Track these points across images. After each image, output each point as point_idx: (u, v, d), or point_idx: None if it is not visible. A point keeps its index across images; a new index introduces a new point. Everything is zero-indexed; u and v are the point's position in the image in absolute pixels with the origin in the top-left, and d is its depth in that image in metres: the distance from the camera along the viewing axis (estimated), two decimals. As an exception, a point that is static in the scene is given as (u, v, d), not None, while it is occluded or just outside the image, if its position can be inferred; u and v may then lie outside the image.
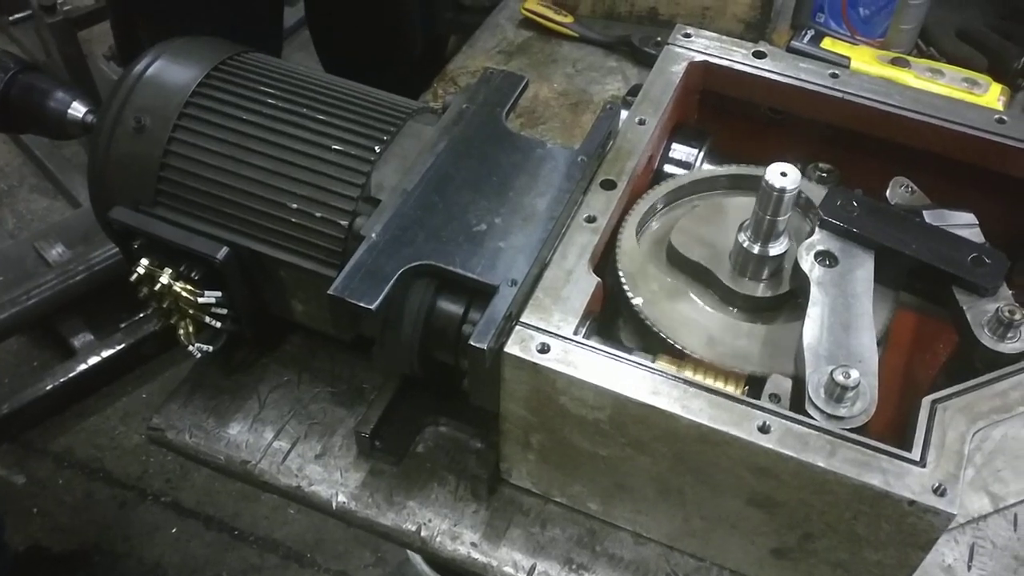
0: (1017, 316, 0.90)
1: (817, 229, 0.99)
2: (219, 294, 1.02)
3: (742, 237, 0.99)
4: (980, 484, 1.00)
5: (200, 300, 1.02)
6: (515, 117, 1.49)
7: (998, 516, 1.04)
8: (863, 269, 0.96)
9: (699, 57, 1.16)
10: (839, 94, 1.13)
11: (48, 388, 2.49)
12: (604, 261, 1.02)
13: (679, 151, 1.18)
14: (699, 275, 1.01)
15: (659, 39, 1.57)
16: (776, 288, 1.00)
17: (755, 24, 1.62)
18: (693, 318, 0.98)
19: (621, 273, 0.99)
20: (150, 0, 1.69)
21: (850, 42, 1.57)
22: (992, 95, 1.46)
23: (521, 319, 0.90)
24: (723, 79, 1.17)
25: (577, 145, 1.03)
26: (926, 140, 1.11)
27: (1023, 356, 0.91)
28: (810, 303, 0.93)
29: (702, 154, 1.18)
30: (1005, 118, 1.10)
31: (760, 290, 1.00)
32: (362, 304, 0.86)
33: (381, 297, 0.87)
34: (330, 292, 0.88)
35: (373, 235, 0.93)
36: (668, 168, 1.18)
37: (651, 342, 0.97)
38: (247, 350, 1.15)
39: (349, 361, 1.14)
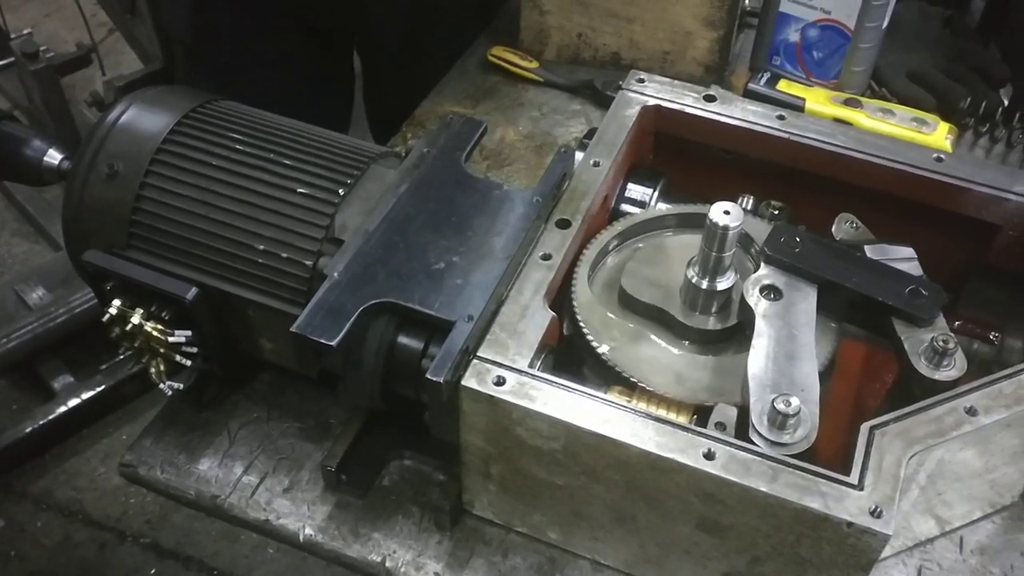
0: (951, 345, 0.95)
1: (762, 264, 1.03)
2: (189, 333, 1.06)
3: (691, 273, 1.03)
4: (926, 507, 1.04)
5: (170, 339, 1.05)
6: (482, 158, 1.54)
7: (944, 539, 1.07)
8: (806, 302, 1.00)
9: (652, 101, 1.22)
10: (785, 135, 1.18)
11: (28, 431, 2.51)
12: (560, 296, 1.06)
13: (634, 191, 1.23)
14: (651, 313, 1.05)
15: (620, 83, 1.63)
16: (725, 321, 1.04)
17: (714, 67, 1.68)
18: (644, 351, 1.02)
19: (576, 310, 1.03)
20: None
21: (805, 84, 1.63)
22: (940, 134, 1.52)
23: (478, 353, 0.94)
24: (675, 122, 1.22)
25: (535, 187, 1.07)
26: (870, 178, 1.16)
27: (957, 383, 0.95)
28: (755, 335, 0.97)
29: (656, 193, 1.23)
30: (943, 157, 1.15)
31: (710, 323, 1.04)
32: (323, 340, 0.90)
33: (342, 334, 0.90)
34: (293, 329, 0.91)
35: (335, 274, 0.97)
36: (624, 207, 1.23)
37: (605, 374, 1.01)
38: (218, 387, 1.18)
39: (317, 397, 1.17)
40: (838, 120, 1.56)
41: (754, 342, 0.97)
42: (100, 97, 2.89)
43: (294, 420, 1.16)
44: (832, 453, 0.95)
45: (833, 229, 1.13)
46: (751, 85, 1.62)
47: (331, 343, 0.90)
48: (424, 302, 0.95)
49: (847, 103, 1.58)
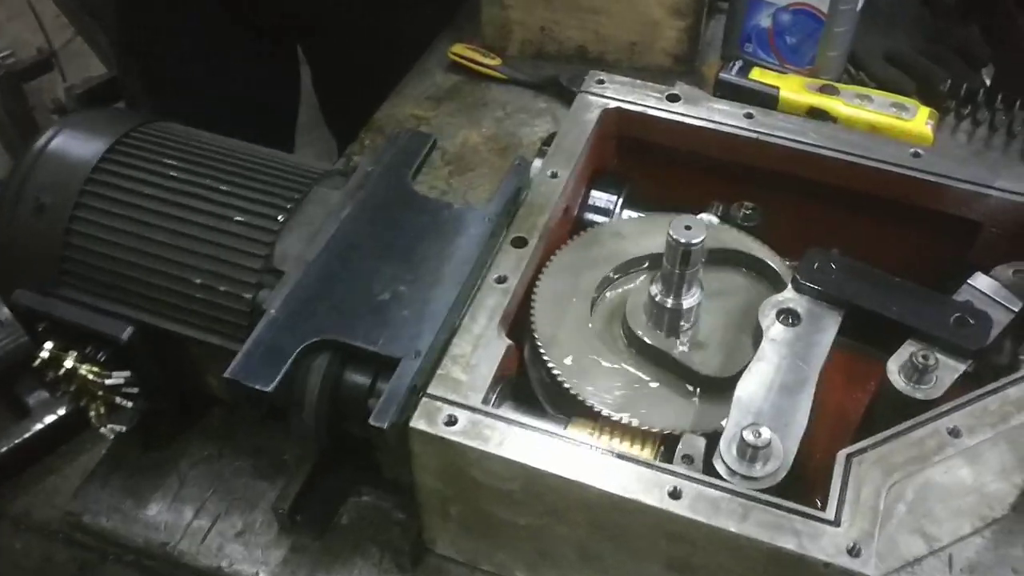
0: (931, 362, 0.89)
1: (789, 288, 0.97)
2: (127, 374, 1.00)
3: (654, 290, 0.97)
4: (914, 526, 0.98)
5: (108, 381, 0.99)
6: (443, 164, 1.48)
7: (933, 558, 1.02)
8: (824, 333, 0.93)
9: (612, 104, 1.15)
10: (754, 135, 1.12)
11: (3, 450, 2.45)
12: (519, 320, 1.00)
13: (598, 199, 1.17)
14: (620, 335, 0.99)
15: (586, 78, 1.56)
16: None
17: (684, 57, 1.61)
18: (607, 373, 0.96)
19: (537, 335, 0.97)
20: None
21: (779, 71, 1.56)
22: (920, 119, 1.46)
23: (428, 391, 0.88)
24: (637, 125, 1.15)
25: (488, 204, 1.01)
26: (844, 177, 1.10)
27: (939, 403, 0.90)
28: (755, 357, 0.91)
29: (621, 201, 1.17)
30: (920, 152, 1.09)
31: (676, 345, 0.98)
32: (258, 387, 0.84)
33: (278, 378, 0.85)
34: (226, 375, 0.85)
35: (272, 310, 0.91)
36: (589, 216, 1.17)
37: (568, 403, 0.95)
38: (167, 424, 1.12)
39: (272, 432, 1.11)
40: (814, 109, 1.50)
41: (752, 366, 0.91)
42: (62, 104, 2.82)
43: (248, 457, 1.10)
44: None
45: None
46: (722, 75, 1.55)
47: (266, 389, 0.84)
48: (368, 338, 0.89)
49: (823, 90, 1.51)
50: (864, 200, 1.11)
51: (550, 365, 0.95)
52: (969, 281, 0.99)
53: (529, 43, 1.64)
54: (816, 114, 1.49)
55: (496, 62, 1.62)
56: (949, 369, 0.91)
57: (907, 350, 0.91)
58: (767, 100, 1.51)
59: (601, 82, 1.17)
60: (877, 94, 1.50)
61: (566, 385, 0.94)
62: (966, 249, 1.11)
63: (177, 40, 1.73)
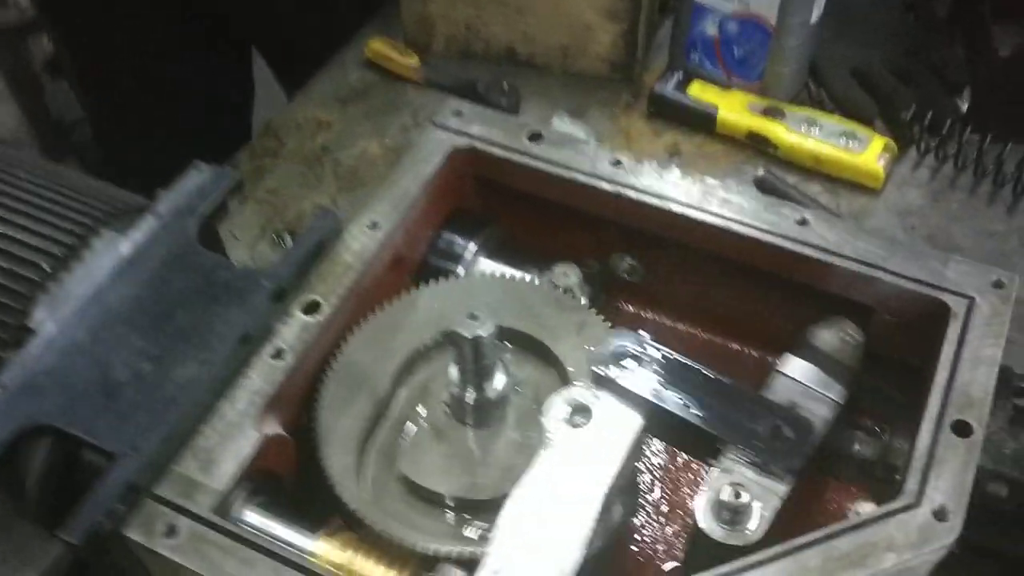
0: (743, 500, 0.73)
1: (584, 379, 0.82)
2: None
3: (452, 384, 0.83)
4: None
5: None
6: (335, 179, 1.35)
7: None
8: (622, 438, 0.78)
9: (464, 141, 1.00)
10: (617, 189, 0.95)
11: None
12: (304, 402, 0.87)
13: (450, 243, 1.02)
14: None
15: (505, 85, 1.41)
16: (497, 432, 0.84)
17: (621, 64, 1.44)
18: (386, 483, 0.83)
19: (316, 422, 0.84)
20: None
21: (724, 85, 1.38)
22: (871, 153, 1.28)
23: (156, 491, 0.76)
24: (492, 167, 1.00)
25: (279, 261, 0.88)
26: (717, 245, 0.94)
27: (757, 547, 0.74)
28: (531, 469, 0.77)
29: (476, 247, 1.02)
30: (808, 219, 0.92)
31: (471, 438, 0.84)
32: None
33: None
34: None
35: (3, 384, 0.80)
36: (438, 262, 1.03)
37: (336, 506, 0.82)
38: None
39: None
40: (753, 134, 1.33)
41: (524, 479, 0.76)
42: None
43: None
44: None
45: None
46: (657, 88, 1.39)
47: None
48: (90, 427, 0.77)
49: (767, 112, 1.33)
50: (744, 270, 0.94)
51: (323, 464, 0.82)
52: (779, 367, 0.83)
53: (454, 40, 1.48)
54: (756, 140, 1.32)
55: (413, 61, 1.46)
56: (769, 498, 0.75)
57: (717, 482, 0.75)
58: (703, 120, 1.35)
59: (458, 114, 1.02)
60: (828, 119, 1.32)
61: (337, 491, 0.80)
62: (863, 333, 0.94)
63: (110, 30, 1.65)
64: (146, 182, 0.96)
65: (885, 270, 0.88)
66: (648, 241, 0.99)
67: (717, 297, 1.01)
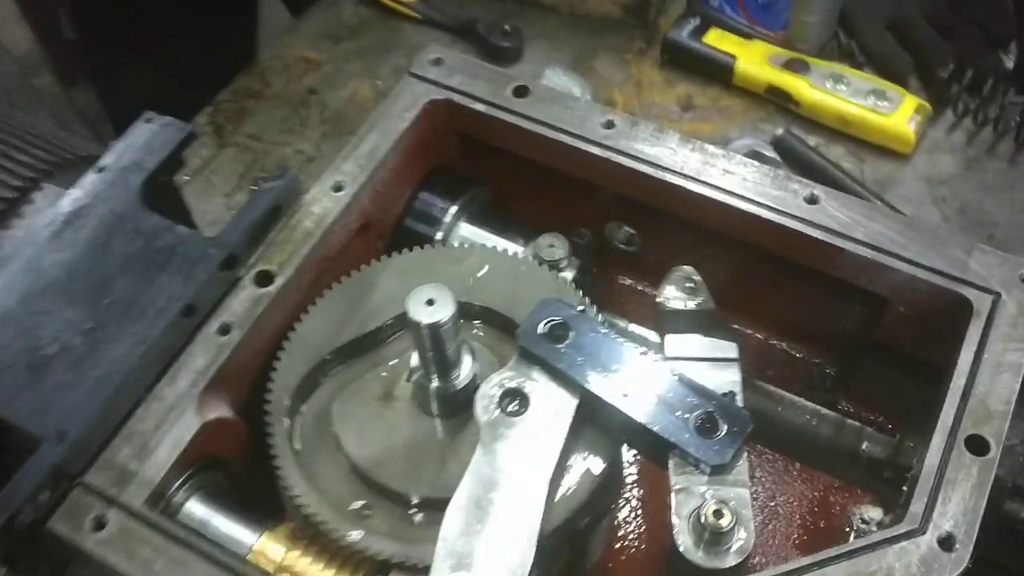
0: (724, 522, 0.66)
1: (514, 359, 0.74)
2: None
3: (416, 373, 0.75)
4: None
5: None
6: (320, 123, 1.26)
7: None
8: (559, 423, 0.71)
9: (442, 94, 0.91)
10: (608, 154, 0.86)
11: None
12: (255, 380, 0.80)
13: (426, 204, 0.94)
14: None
15: (507, 27, 1.30)
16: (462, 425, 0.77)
17: (635, 6, 1.32)
18: (337, 477, 0.75)
19: (269, 403, 0.77)
20: None
21: (745, 34, 1.27)
22: (902, 114, 1.17)
23: (85, 480, 0.70)
24: (472, 123, 0.91)
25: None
26: (714, 221, 0.85)
27: (741, 568, 0.67)
28: (469, 469, 0.70)
29: (457, 209, 0.94)
30: (819, 195, 0.82)
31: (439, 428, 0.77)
32: None
33: None
34: None
35: (-76, 352, 0.73)
36: (414, 225, 0.94)
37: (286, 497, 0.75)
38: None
39: None
40: (773, 88, 1.22)
41: (463, 481, 0.70)
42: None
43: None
44: None
45: (663, 289, 0.84)
46: (671, 35, 1.28)
47: None
48: (12, 407, 0.71)
49: (789, 66, 1.22)
50: (746, 248, 0.86)
51: (272, 452, 0.75)
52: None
53: (455, -25, 1.38)
54: (776, 95, 1.22)
55: (413, -3, 1.36)
56: (742, 509, 0.67)
57: (688, 500, 0.68)
58: (720, 71, 1.24)
59: (437, 62, 0.93)
60: (857, 75, 1.21)
61: (286, 483, 0.74)
62: (873, 324, 0.86)
63: None
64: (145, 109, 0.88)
65: (901, 257, 0.78)
66: (646, 211, 0.90)
67: (718, 275, 0.92)
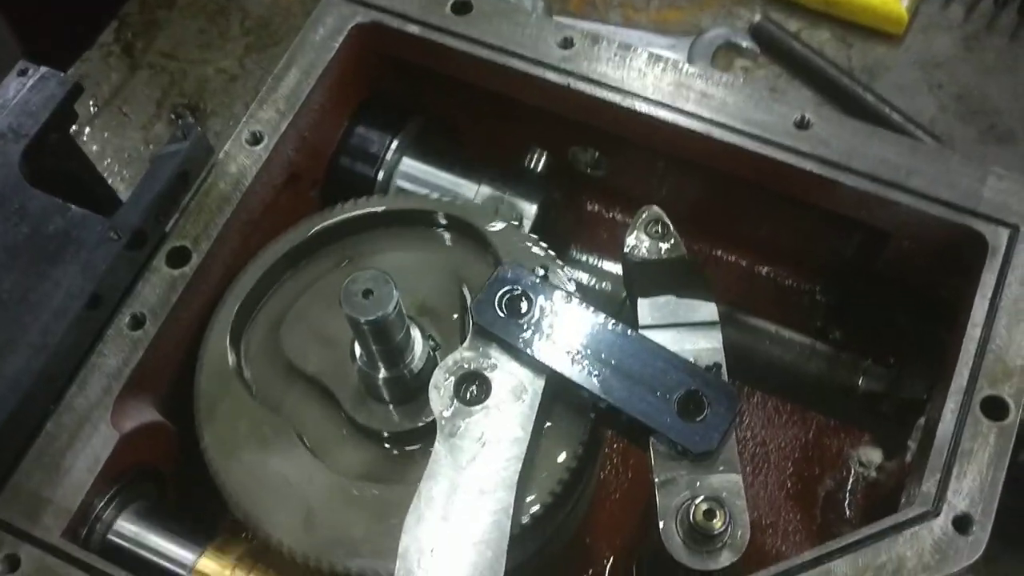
0: (716, 524, 0.58)
1: (469, 338, 0.65)
2: None
3: (359, 361, 0.66)
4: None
5: None
6: (241, 34, 1.12)
7: None
8: (524, 409, 0.63)
9: (369, 15, 0.78)
10: (566, 79, 0.74)
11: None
12: (180, 378, 0.70)
13: (362, 140, 0.82)
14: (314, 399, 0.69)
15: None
16: (415, 417, 0.68)
17: None
18: (289, 474, 0.67)
19: (198, 400, 0.68)
20: None
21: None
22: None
23: (-11, 512, 0.62)
24: (407, 48, 0.79)
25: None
26: (688, 151, 0.74)
27: (733, 570, 0.60)
28: (427, 470, 0.62)
29: (396, 143, 0.82)
30: (809, 118, 0.71)
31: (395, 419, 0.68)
32: None
33: None
34: None
35: None
36: (348, 163, 0.83)
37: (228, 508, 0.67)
38: None
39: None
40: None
41: (423, 483, 0.62)
42: None
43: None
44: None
45: (629, 236, 0.72)
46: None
47: None
48: None
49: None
50: (727, 178, 0.75)
51: (207, 455, 0.66)
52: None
53: None
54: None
55: None
56: (734, 500, 0.60)
57: (673, 493, 0.60)
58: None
59: (363, -25, 0.79)
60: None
61: (228, 491, 0.65)
62: (873, 257, 0.77)
63: None
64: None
65: (904, 188, 0.69)
66: (612, 144, 0.79)
67: (696, 201, 0.82)
